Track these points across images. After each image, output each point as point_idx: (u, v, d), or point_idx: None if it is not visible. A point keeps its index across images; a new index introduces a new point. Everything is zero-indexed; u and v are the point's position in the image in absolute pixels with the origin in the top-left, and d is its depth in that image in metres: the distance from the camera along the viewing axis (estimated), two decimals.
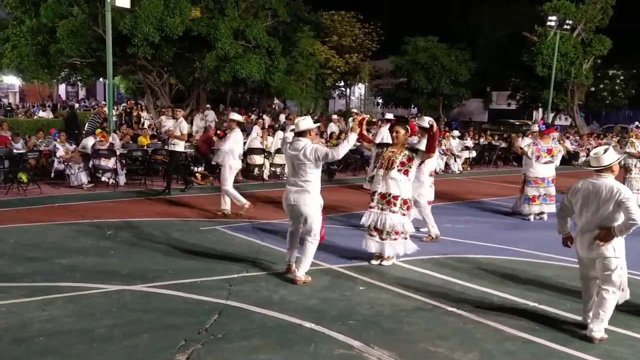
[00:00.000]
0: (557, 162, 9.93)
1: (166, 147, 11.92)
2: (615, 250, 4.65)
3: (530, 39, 28.35)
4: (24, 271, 6.04)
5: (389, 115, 11.98)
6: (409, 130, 6.66)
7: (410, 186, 6.58)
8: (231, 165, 9.25)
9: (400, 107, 35.04)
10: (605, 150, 4.80)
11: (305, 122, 5.97)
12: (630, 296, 5.06)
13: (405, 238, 6.57)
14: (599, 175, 4.76)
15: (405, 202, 6.45)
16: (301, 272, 5.93)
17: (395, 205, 6.40)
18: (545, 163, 9.75)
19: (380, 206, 6.47)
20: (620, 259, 4.69)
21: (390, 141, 7.25)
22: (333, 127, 18.18)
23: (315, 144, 5.91)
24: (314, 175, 5.85)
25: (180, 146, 11.32)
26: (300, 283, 5.88)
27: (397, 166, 6.40)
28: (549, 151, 9.74)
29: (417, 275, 6.38)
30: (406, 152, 6.46)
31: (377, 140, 9.19)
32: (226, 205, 9.37)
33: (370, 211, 6.56)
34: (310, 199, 5.84)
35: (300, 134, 5.90)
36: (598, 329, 4.70)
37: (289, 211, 6.08)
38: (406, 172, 6.42)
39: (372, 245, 6.58)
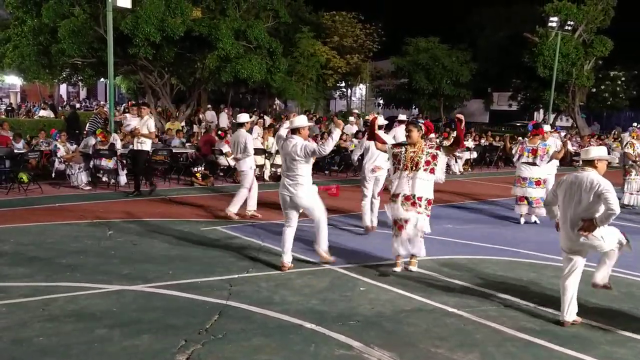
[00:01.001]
0: (541, 163, 9.61)
1: (131, 146, 11.29)
2: (604, 238, 4.95)
3: (532, 39, 28.33)
4: (25, 271, 6.04)
5: (402, 117, 11.93)
6: (422, 129, 6.55)
7: (432, 186, 6.48)
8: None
9: (401, 107, 35.05)
10: (597, 147, 5.19)
11: (299, 120, 6.45)
12: (632, 300, 5.06)
13: (422, 238, 6.44)
14: (582, 169, 5.05)
15: (429, 202, 6.38)
16: (322, 248, 6.55)
17: (420, 206, 6.29)
18: (526, 163, 9.65)
19: (405, 207, 6.29)
20: (606, 241, 4.99)
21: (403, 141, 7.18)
22: (351, 128, 18.23)
23: (305, 141, 6.32)
24: (304, 170, 6.31)
25: (147, 145, 10.93)
26: (323, 259, 6.57)
27: (423, 165, 6.31)
28: (533, 151, 9.61)
29: (418, 276, 6.38)
30: (429, 150, 6.39)
31: (392, 141, 9.03)
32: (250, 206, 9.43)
33: (392, 206, 6.39)
34: (303, 190, 6.30)
35: (293, 131, 6.37)
36: (601, 276, 5.10)
37: (283, 203, 6.46)
38: (432, 171, 6.36)
39: (398, 245, 6.37)
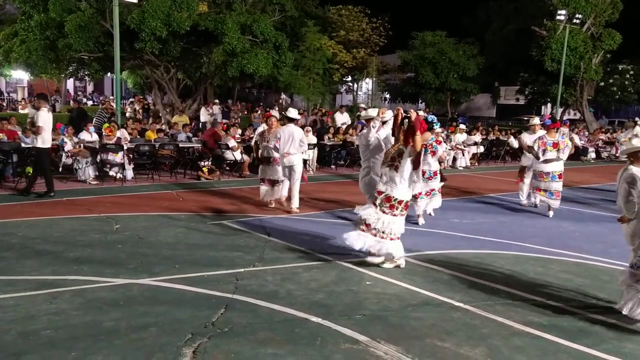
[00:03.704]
0: (563, 156, 9.67)
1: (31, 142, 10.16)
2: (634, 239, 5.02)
3: (539, 33, 28.12)
4: (32, 264, 6.07)
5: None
6: (404, 125, 6.34)
7: (401, 184, 6.07)
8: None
9: (408, 102, 34.98)
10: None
11: (370, 112, 7.51)
12: None
13: (382, 237, 6.09)
14: (627, 163, 5.26)
15: (388, 199, 6.06)
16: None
17: (377, 199, 6.16)
18: (548, 159, 9.65)
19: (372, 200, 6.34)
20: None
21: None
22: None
23: (364, 131, 7.44)
24: (369, 160, 7.39)
25: (39, 142, 9.73)
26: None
27: (388, 161, 6.18)
28: (555, 145, 9.61)
29: (424, 270, 6.36)
30: (401, 147, 6.17)
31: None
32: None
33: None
34: (362, 179, 7.41)
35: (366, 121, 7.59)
36: None
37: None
38: (396, 168, 6.07)
39: (348, 233, 6.26)
